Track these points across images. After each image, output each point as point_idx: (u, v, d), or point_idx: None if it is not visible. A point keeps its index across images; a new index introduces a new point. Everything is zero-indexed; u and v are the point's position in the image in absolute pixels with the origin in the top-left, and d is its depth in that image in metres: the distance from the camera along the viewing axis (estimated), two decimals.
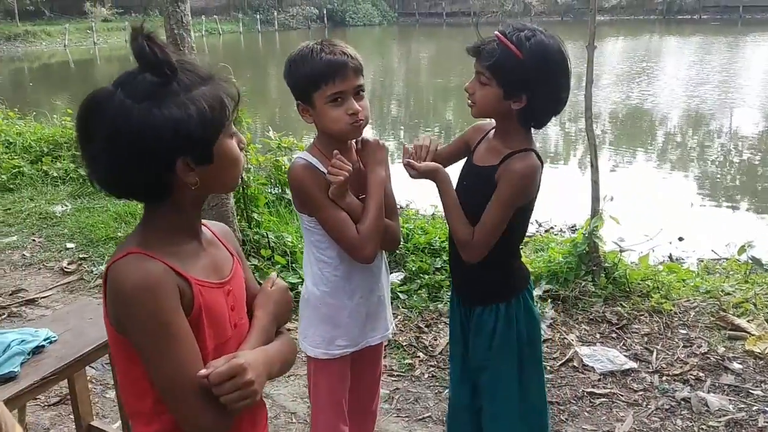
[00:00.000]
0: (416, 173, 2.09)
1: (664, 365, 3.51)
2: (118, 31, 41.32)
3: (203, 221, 1.41)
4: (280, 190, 5.69)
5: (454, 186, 2.15)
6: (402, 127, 15.18)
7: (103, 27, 41.38)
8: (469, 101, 2.04)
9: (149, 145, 1.16)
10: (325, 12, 55.42)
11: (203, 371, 1.22)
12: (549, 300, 4.08)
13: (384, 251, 2.25)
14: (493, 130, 2.14)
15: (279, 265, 4.53)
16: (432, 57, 32.02)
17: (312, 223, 2.07)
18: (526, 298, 2.20)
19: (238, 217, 4.70)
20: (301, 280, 4.44)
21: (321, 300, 2.16)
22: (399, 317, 4.04)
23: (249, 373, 1.23)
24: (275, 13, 53.39)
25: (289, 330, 1.56)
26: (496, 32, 1.95)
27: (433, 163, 2.11)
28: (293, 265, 4.57)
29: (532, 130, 2.09)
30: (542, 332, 3.81)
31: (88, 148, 1.21)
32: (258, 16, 52.33)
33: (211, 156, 1.24)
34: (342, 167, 1.94)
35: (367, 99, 2.02)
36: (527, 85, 1.92)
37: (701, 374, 3.41)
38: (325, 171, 1.98)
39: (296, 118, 2.15)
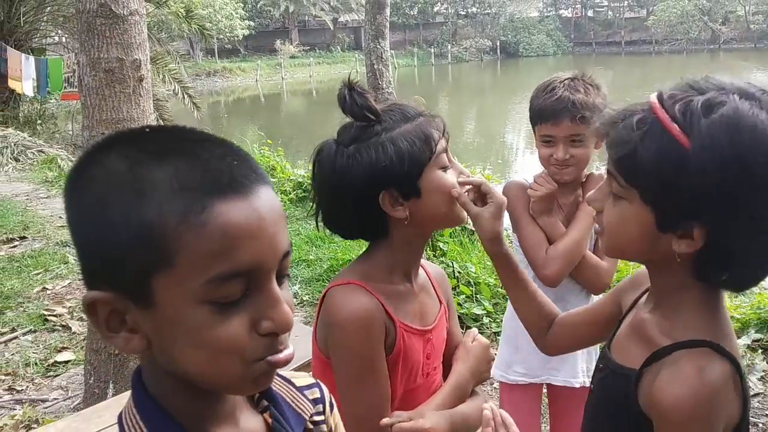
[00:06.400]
0: None
1: None
2: (303, 66, 44.33)
3: (422, 262, 1.43)
4: None
5: None
6: None
7: (291, 63, 44.49)
8: (597, 227, 1.19)
9: (350, 183, 1.25)
10: (498, 44, 55.72)
11: (386, 420, 1.23)
12: (759, 350, 3.74)
13: (589, 292, 2.07)
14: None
15: (463, 296, 4.55)
16: (609, 85, 30.82)
17: (517, 243, 2.08)
18: None
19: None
20: (485, 312, 4.46)
21: (507, 321, 2.20)
22: None
23: None
24: (449, 47, 54.48)
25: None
26: (653, 97, 1.03)
27: None
28: (477, 296, 4.57)
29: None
30: (753, 385, 3.50)
31: (315, 194, 1.33)
32: (432, 50, 53.71)
33: (418, 190, 1.27)
34: (543, 183, 1.96)
35: (589, 147, 1.93)
36: (701, 206, 0.98)
37: None
38: None
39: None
